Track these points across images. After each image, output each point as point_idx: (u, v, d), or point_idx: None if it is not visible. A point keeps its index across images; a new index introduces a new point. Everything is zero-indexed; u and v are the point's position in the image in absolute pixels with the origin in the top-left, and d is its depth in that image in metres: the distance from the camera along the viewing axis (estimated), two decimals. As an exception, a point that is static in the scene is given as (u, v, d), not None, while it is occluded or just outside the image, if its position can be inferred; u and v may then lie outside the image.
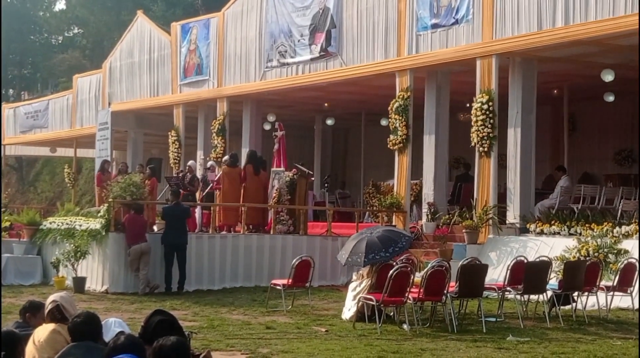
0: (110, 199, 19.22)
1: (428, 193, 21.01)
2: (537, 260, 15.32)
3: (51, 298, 6.93)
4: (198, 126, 28.25)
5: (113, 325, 6.62)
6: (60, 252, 19.55)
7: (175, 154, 28.36)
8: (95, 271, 19.16)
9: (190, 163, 24.24)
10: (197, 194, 22.65)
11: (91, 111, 33.11)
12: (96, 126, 30.30)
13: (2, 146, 39.43)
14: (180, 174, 23.55)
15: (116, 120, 29.40)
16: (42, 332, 6.65)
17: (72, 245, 19.24)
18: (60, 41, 57.53)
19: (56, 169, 44.47)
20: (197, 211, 21.91)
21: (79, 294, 18.10)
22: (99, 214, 19.49)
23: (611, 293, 14.63)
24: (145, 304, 16.32)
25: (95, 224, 19.27)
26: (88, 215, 20.78)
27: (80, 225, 19.99)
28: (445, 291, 13.40)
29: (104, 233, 18.93)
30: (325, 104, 28.10)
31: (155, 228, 20.61)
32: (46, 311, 6.91)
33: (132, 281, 18.66)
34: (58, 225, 21.18)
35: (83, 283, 18.78)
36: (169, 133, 28.61)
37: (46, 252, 21.32)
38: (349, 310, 14.35)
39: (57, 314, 6.76)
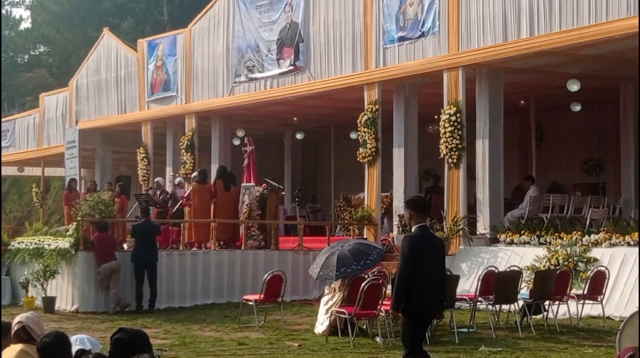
0: (78, 218, 19.07)
1: (399, 205, 21.03)
2: (508, 269, 15.40)
3: (17, 319, 6.85)
4: (167, 142, 28.14)
5: (75, 342, 6.53)
6: (29, 272, 19.35)
7: (144, 171, 28.22)
8: (65, 291, 18.99)
9: (158, 179, 24.14)
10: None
11: (58, 129, 32.87)
12: (64, 144, 30.10)
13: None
14: (150, 192, 23.44)
15: (84, 138, 29.22)
16: (10, 353, 6.56)
17: (41, 265, 19.06)
18: (26, 60, 57.18)
19: (24, 188, 44.09)
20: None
21: (49, 314, 17.93)
22: (68, 233, 19.35)
23: (582, 301, 14.72)
24: (116, 323, 16.18)
25: (64, 243, 19.11)
26: (57, 234, 20.61)
27: (49, 244, 19.81)
28: (417, 303, 13.38)
29: (73, 252, 18.77)
30: (295, 119, 28.12)
31: (125, 246, 20.46)
32: (12, 332, 6.82)
33: (102, 300, 18.51)
34: (27, 245, 20.98)
35: (53, 303, 18.60)
36: (138, 150, 28.47)
37: (15, 272, 21.10)
38: (321, 324, 14.32)
39: (24, 335, 6.67)
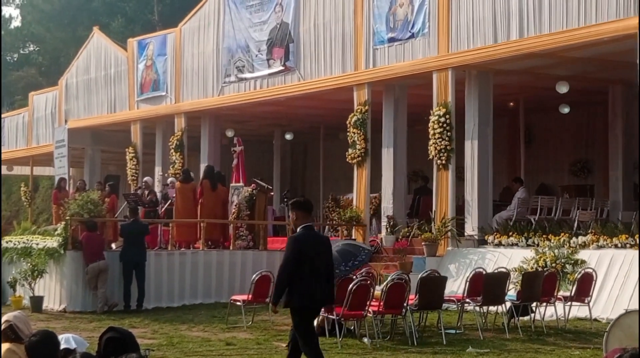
0: (67, 217, 19.03)
1: (387, 206, 21.07)
2: (496, 271, 15.44)
3: (4, 318, 6.84)
4: (156, 142, 28.11)
5: (62, 342, 6.53)
6: (17, 271, 19.31)
7: (133, 171, 28.18)
8: (52, 290, 18.95)
9: (146, 179, 24.11)
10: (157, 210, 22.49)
11: (47, 128, 32.80)
12: (53, 143, 30.02)
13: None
14: (139, 191, 23.40)
15: (73, 137, 29.12)
16: (-3, 352, 6.56)
17: (29, 264, 19.01)
18: (15, 59, 57.00)
19: (12, 187, 43.97)
20: (158, 228, 21.76)
21: (37, 313, 17.89)
22: (56, 233, 19.29)
23: (569, 303, 14.75)
24: (103, 322, 16.14)
25: (53, 242, 19.06)
26: (45, 234, 20.55)
27: (38, 244, 19.76)
28: (405, 304, 13.43)
29: (61, 252, 18.72)
30: (284, 119, 28.12)
31: (113, 245, 20.43)
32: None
33: (90, 300, 18.47)
34: (15, 244, 20.91)
35: (40, 303, 18.56)
36: (127, 150, 28.43)
37: (3, 272, 21.03)
38: (309, 324, 14.30)
39: (11, 334, 6.66)
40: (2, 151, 35.98)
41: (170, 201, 22.16)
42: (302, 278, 9.28)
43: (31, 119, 34.16)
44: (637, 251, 15.70)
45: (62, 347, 6.38)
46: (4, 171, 39.67)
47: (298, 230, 9.57)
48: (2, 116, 38.52)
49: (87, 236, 18.55)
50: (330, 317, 13.54)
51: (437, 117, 19.05)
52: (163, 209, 22.40)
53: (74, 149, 30.27)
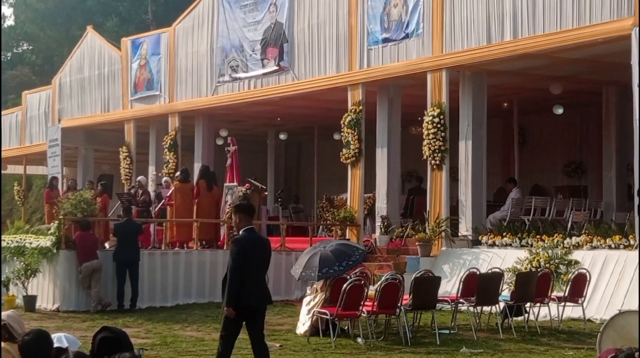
0: (60, 216, 19.00)
1: (381, 207, 21.08)
2: (490, 271, 15.44)
3: (-3, 317, 6.82)
4: (149, 141, 28.08)
5: (55, 341, 6.51)
6: (10, 270, 19.25)
7: (127, 170, 28.15)
8: (46, 290, 18.90)
9: (140, 178, 24.07)
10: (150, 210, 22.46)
11: (41, 127, 32.74)
12: (46, 142, 29.98)
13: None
14: (132, 191, 23.37)
15: (66, 136, 29.10)
16: (-10, 351, 6.54)
17: (22, 263, 18.96)
18: (9, 57, 56.90)
19: (6, 186, 43.87)
20: (152, 228, 21.73)
21: (30, 313, 17.85)
22: (50, 232, 19.25)
23: (562, 303, 14.77)
24: (97, 322, 16.11)
25: (46, 241, 19.02)
26: (38, 233, 20.50)
27: (31, 243, 19.70)
28: (399, 304, 13.44)
29: (54, 251, 18.68)
30: (278, 119, 28.12)
31: (106, 245, 20.40)
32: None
33: (83, 299, 18.43)
34: (8, 243, 20.84)
35: (34, 302, 18.52)
36: (120, 149, 28.40)
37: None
38: (303, 324, 14.32)
39: (5, 333, 6.65)
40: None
41: (163, 201, 22.13)
42: (244, 278, 9.58)
43: (24, 118, 34.09)
44: (630, 252, 15.74)
45: (55, 345, 6.36)
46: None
47: (240, 232, 9.84)
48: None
49: (80, 235, 18.51)
50: (325, 316, 13.55)
51: (431, 118, 19.06)
52: (157, 209, 22.37)
53: (68, 149, 30.22)
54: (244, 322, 9.73)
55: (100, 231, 20.68)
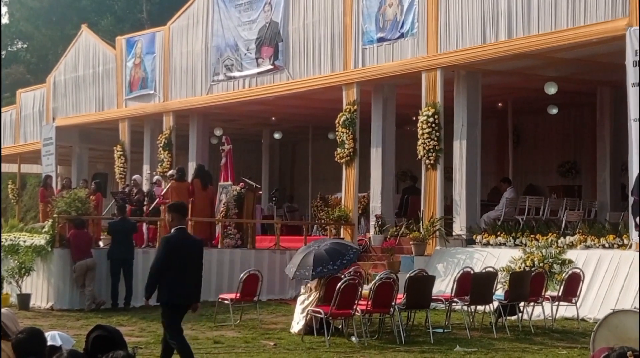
0: (55, 215, 18.99)
1: (375, 206, 21.09)
2: (484, 270, 15.47)
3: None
4: (144, 140, 28.06)
5: (48, 339, 6.50)
6: (5, 269, 19.22)
7: (121, 169, 28.13)
8: (40, 288, 18.89)
9: (135, 177, 24.05)
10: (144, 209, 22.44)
11: (35, 126, 32.70)
12: (40, 141, 29.96)
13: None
14: (127, 189, 23.35)
15: (60, 135, 29.11)
16: (-16, 349, 6.53)
17: (16, 262, 18.95)
18: (3, 56, 56.79)
19: (0, 185, 43.82)
20: (144, 227, 21.72)
21: (24, 311, 17.83)
22: (44, 230, 19.24)
23: (556, 303, 14.80)
24: (91, 320, 16.10)
25: (40, 240, 19.01)
26: (32, 231, 20.49)
27: (25, 241, 19.69)
28: (393, 303, 13.45)
29: (49, 249, 18.67)
30: (273, 118, 28.11)
31: (101, 243, 20.38)
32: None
33: (77, 298, 18.42)
34: (2, 242, 20.83)
35: (28, 300, 18.51)
36: (115, 148, 28.37)
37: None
38: (297, 323, 14.33)
39: (-1, 331, 6.64)
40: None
41: (156, 200, 22.10)
42: (172, 276, 10.02)
43: (19, 116, 34.05)
44: (623, 252, 15.78)
45: (48, 344, 6.35)
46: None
47: (172, 231, 10.29)
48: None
49: (74, 234, 18.51)
50: (319, 315, 13.56)
51: (425, 118, 19.08)
52: (150, 208, 22.33)
53: (62, 147, 30.23)
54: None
55: (95, 229, 20.67)
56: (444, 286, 16.60)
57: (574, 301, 14.98)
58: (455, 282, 14.55)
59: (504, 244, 17.86)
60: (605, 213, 20.02)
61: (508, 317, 14.44)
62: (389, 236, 20.23)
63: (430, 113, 19.02)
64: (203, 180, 21.04)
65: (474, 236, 18.54)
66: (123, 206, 19.95)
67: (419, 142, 19.22)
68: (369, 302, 13.29)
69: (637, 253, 15.00)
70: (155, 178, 24.29)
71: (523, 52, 17.74)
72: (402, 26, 19.90)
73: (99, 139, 30.96)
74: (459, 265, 17.45)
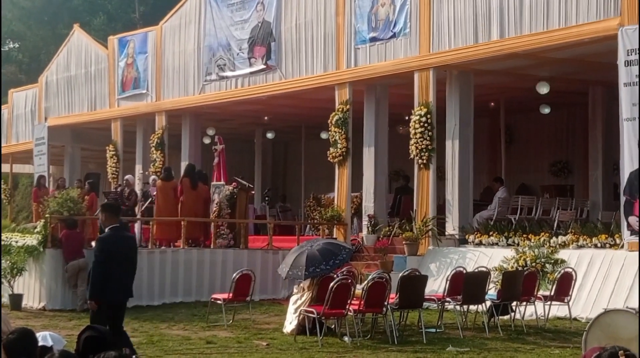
0: (47, 215, 18.95)
1: (368, 206, 21.09)
2: (476, 270, 15.49)
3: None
4: (136, 140, 28.01)
5: (39, 339, 6.49)
6: (-4, 269, 19.19)
7: (114, 168, 28.09)
8: (32, 288, 18.85)
9: (128, 177, 24.02)
10: (136, 209, 22.43)
11: (27, 125, 32.64)
12: (33, 141, 29.90)
13: None
14: (119, 189, 23.32)
15: (53, 135, 29.04)
16: (-25, 350, 6.51)
17: (8, 262, 18.90)
18: (-2, 55, 56.67)
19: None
20: (137, 226, 21.69)
21: (16, 311, 17.78)
22: (36, 231, 19.20)
23: (548, 302, 14.82)
24: (83, 321, 16.03)
25: (32, 240, 18.97)
26: (24, 231, 20.45)
27: (17, 241, 19.64)
28: (385, 303, 13.45)
29: (41, 250, 18.63)
30: (265, 118, 28.09)
31: (93, 243, 20.32)
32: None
33: (69, 298, 18.38)
34: (-5, 242, 20.80)
35: (20, 300, 18.46)
36: (107, 148, 28.33)
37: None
38: (290, 323, 14.33)
39: (-11, 332, 6.62)
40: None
41: (150, 199, 22.10)
42: (109, 274, 10.29)
43: (11, 116, 33.98)
44: (616, 251, 15.81)
45: (39, 344, 6.34)
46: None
47: (106, 230, 10.53)
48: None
49: (66, 234, 18.47)
50: (311, 315, 13.56)
51: (418, 117, 19.09)
52: (143, 207, 22.32)
53: (54, 147, 30.17)
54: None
55: (88, 230, 20.63)
56: (436, 286, 16.61)
57: (566, 300, 15.00)
58: (448, 282, 14.55)
59: (497, 243, 17.88)
60: (597, 213, 20.05)
61: (500, 317, 14.45)
62: (381, 236, 20.24)
63: (422, 113, 19.03)
64: (192, 179, 21.00)
65: (467, 236, 18.55)
66: (115, 206, 19.89)
67: (412, 141, 19.23)
68: (362, 302, 13.30)
69: (634, 253, 15.02)
70: (151, 178, 24.26)
71: (515, 52, 17.76)
72: (394, 26, 19.90)
73: (91, 139, 30.91)
74: (451, 264, 17.46)
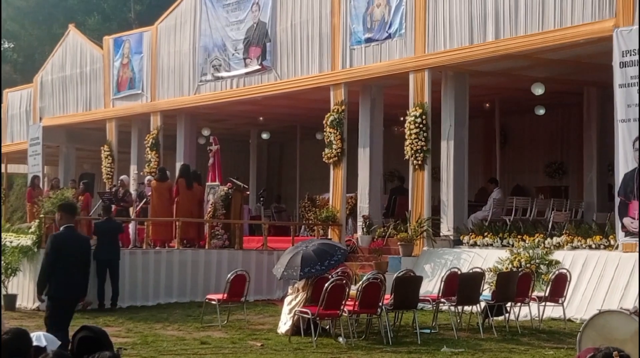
0: (41, 215, 18.92)
1: (363, 206, 21.10)
2: (471, 271, 15.49)
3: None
4: (131, 140, 28.00)
5: (34, 339, 6.47)
6: (-10, 269, 19.15)
7: (108, 169, 28.06)
8: (26, 288, 18.80)
9: (122, 177, 24.00)
10: (131, 210, 22.41)
11: (22, 126, 32.59)
12: (27, 141, 29.86)
13: None
14: (114, 190, 23.30)
15: (47, 135, 29.01)
16: (-32, 350, 6.49)
17: (2, 262, 18.85)
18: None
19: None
20: (132, 227, 21.67)
21: (10, 312, 17.75)
22: (30, 231, 19.17)
23: (543, 303, 14.83)
24: (77, 321, 15.94)
25: (26, 240, 18.94)
26: (19, 231, 20.41)
27: (11, 242, 19.61)
28: (380, 304, 13.44)
29: (35, 250, 18.59)
30: (260, 118, 28.09)
31: (89, 243, 20.29)
32: (-28, 329, 6.74)
33: (64, 298, 18.32)
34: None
35: (14, 301, 18.42)
36: (102, 148, 28.30)
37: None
38: (284, 323, 14.32)
39: (-17, 332, 6.60)
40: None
41: (145, 199, 22.08)
42: (60, 271, 10.68)
43: (5, 116, 33.92)
44: (610, 252, 15.82)
45: (34, 345, 6.32)
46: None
47: (61, 229, 10.96)
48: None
49: (61, 234, 18.42)
50: (306, 316, 13.56)
51: (413, 118, 19.10)
52: (138, 208, 22.30)
53: (49, 147, 30.14)
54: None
55: (83, 230, 20.60)
56: (431, 286, 16.61)
57: (560, 301, 15.01)
58: (443, 283, 14.56)
59: (491, 244, 17.90)
60: (592, 214, 20.08)
61: (495, 318, 14.46)
62: (376, 237, 20.24)
63: (417, 114, 19.04)
64: (187, 180, 21.00)
65: (462, 237, 18.56)
66: (108, 206, 19.90)
67: (407, 142, 19.24)
68: (357, 303, 13.29)
69: (629, 254, 15.04)
70: (147, 178, 24.23)
71: (510, 53, 17.78)
72: (389, 27, 19.90)
73: (86, 139, 30.87)
74: (446, 265, 17.46)
